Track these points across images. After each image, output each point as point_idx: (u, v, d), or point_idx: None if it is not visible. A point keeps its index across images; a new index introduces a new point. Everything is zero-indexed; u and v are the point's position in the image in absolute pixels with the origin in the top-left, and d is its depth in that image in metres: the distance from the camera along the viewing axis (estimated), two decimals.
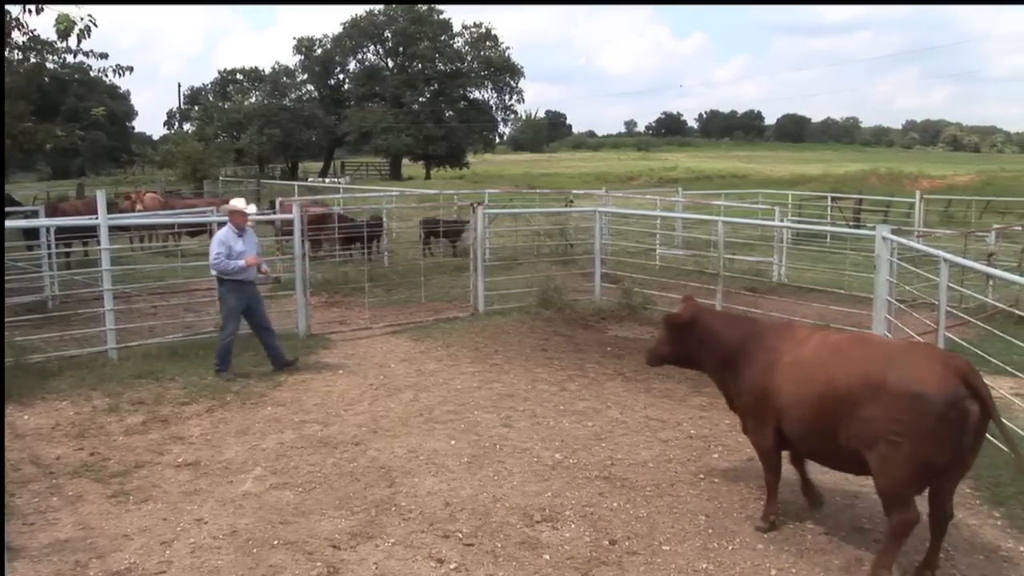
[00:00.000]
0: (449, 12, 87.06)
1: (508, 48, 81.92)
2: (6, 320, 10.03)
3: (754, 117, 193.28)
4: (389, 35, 78.75)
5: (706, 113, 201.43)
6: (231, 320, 11.05)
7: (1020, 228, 16.57)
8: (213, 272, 11.05)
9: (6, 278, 13.02)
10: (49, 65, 14.32)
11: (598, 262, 15.99)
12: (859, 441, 5.68)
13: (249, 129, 70.47)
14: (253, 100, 76.00)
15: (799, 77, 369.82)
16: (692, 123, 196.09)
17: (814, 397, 5.94)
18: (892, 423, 5.46)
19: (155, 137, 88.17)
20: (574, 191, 30.10)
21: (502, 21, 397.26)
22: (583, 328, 13.90)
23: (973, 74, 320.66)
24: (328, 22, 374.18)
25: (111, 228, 12.87)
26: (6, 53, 12.67)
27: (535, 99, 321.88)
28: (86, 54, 13.23)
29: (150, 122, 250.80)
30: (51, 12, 12.09)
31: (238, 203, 11.31)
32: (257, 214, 12.00)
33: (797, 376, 6.12)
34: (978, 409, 5.40)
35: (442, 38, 78.34)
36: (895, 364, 5.61)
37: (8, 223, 13.16)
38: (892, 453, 5.49)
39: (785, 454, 6.80)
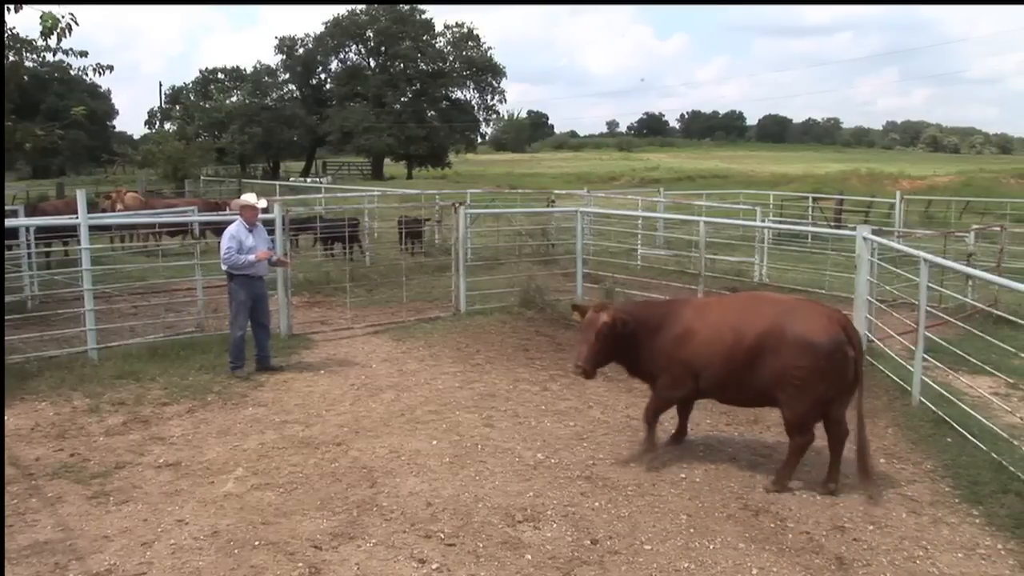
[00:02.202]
0: (431, 12, 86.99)
1: (490, 48, 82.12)
2: None
3: (735, 118, 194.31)
4: (371, 35, 78.50)
5: (688, 113, 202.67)
6: (241, 315, 11.06)
7: (999, 228, 16.66)
8: (224, 267, 11.07)
9: None
10: (28, 64, 14.18)
11: (579, 262, 15.99)
12: (769, 382, 7.14)
13: (230, 128, 70.14)
14: (235, 99, 75.56)
15: (780, 78, 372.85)
16: (674, 123, 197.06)
17: (730, 350, 7.28)
18: (793, 367, 6.99)
19: (136, 136, 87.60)
20: (556, 191, 29.99)
21: (484, 21, 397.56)
22: (565, 328, 13.89)
23: (952, 76, 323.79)
24: (310, 21, 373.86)
25: (91, 228, 12.78)
26: None
27: (517, 99, 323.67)
28: (66, 52, 13.09)
29: (131, 121, 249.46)
30: (29, 10, 12.00)
31: (249, 198, 11.36)
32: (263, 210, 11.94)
33: (712, 338, 7.42)
34: (854, 353, 7.03)
35: (424, 38, 78.16)
36: (791, 318, 7.14)
37: None
38: (795, 391, 7.05)
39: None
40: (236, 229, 11.03)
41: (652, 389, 8.06)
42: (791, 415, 7.24)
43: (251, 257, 10.87)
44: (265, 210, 12.02)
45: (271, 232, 12.94)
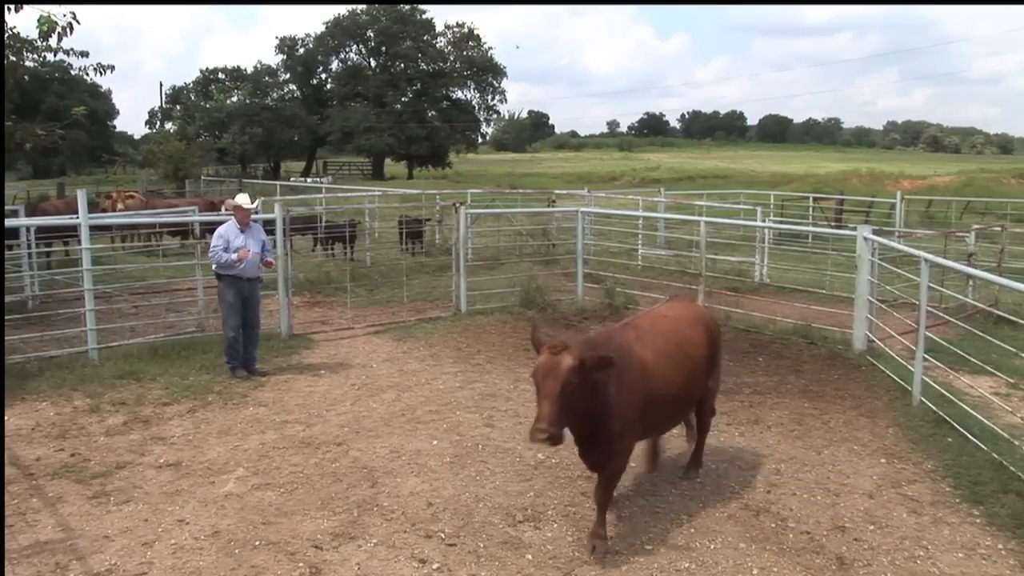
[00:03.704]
0: (432, 12, 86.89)
1: (491, 48, 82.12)
2: None
3: (736, 118, 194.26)
4: (372, 35, 78.51)
5: (688, 113, 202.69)
6: (231, 316, 11.04)
7: (999, 228, 16.66)
8: (213, 267, 11.08)
9: None
10: (28, 63, 14.18)
11: (580, 262, 16.00)
12: (708, 375, 7.35)
13: (231, 128, 70.08)
14: (235, 99, 75.53)
15: (781, 78, 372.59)
16: (674, 123, 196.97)
17: (683, 365, 6.86)
18: (719, 354, 7.70)
19: (136, 136, 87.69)
20: (556, 191, 29.98)
21: (485, 21, 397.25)
22: (565, 328, 13.89)
23: (953, 76, 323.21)
24: (311, 21, 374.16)
25: (92, 228, 12.79)
26: None
27: (518, 99, 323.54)
28: (67, 52, 13.10)
29: (131, 121, 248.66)
30: (30, 10, 12.01)
31: (241, 199, 11.32)
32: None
33: (667, 362, 6.67)
34: None
35: (425, 38, 78.15)
36: (703, 317, 7.62)
37: None
38: (718, 370, 7.76)
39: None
40: (226, 229, 11.03)
41: (594, 451, 6.38)
42: (716, 387, 7.87)
43: (232, 256, 10.79)
44: (256, 211, 11.97)
45: (271, 232, 12.94)
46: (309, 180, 55.95)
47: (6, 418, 9.19)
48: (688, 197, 29.80)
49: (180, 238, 20.96)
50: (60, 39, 11.94)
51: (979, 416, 8.48)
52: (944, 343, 10.24)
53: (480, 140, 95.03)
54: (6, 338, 11.72)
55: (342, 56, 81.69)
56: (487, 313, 14.69)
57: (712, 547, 6.39)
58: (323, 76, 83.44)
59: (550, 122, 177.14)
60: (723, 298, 14.40)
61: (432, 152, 77.58)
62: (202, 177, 49.88)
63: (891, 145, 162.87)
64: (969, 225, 19.73)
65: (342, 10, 79.67)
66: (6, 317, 12.39)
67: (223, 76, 79.40)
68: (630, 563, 6.15)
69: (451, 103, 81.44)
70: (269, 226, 13.09)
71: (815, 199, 30.40)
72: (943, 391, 9.27)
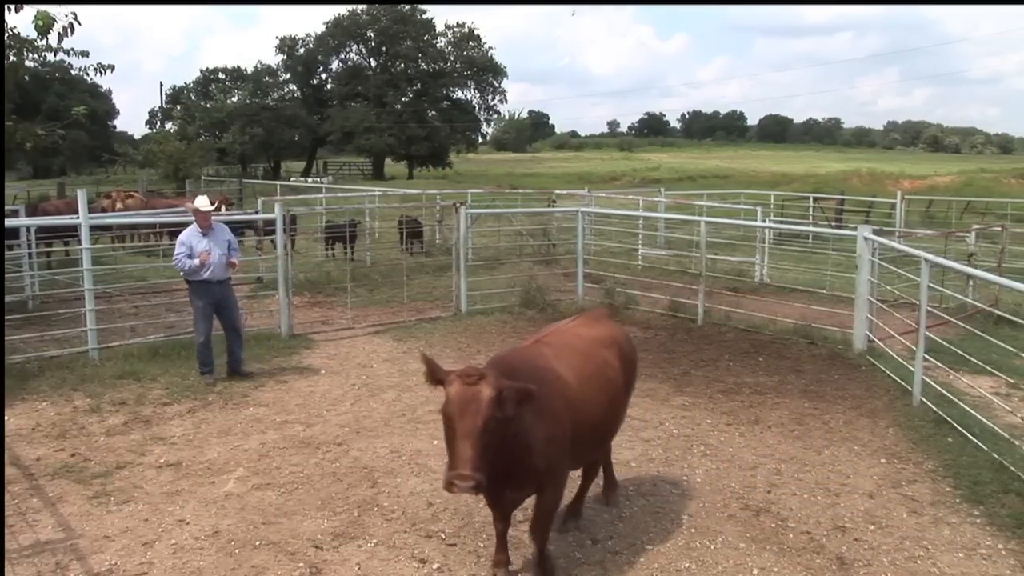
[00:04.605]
0: (432, 12, 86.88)
1: (491, 48, 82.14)
2: None
3: (736, 118, 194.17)
4: (372, 35, 78.53)
5: (688, 113, 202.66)
6: (201, 322, 10.84)
7: (1000, 228, 16.67)
8: (180, 274, 10.97)
9: None
10: (29, 63, 14.18)
11: (580, 262, 16.00)
12: (628, 392, 6.73)
13: (231, 128, 70.06)
14: (235, 99, 75.55)
15: (781, 78, 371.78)
16: (675, 123, 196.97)
17: (605, 388, 6.18)
18: (635, 376, 6.95)
19: (137, 136, 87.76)
20: (557, 191, 29.94)
21: (485, 21, 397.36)
22: None
23: (953, 76, 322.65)
24: (311, 21, 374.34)
25: (92, 228, 12.78)
26: None
27: (518, 99, 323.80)
28: (67, 52, 13.09)
29: (132, 121, 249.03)
30: (30, 10, 12.01)
31: (199, 202, 11.03)
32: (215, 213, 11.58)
33: (591, 384, 5.99)
34: None
35: (425, 38, 78.17)
36: (618, 335, 6.75)
37: None
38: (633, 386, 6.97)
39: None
40: (187, 234, 10.75)
41: (511, 489, 5.62)
42: (625, 412, 6.97)
43: (194, 261, 10.53)
44: (216, 211, 11.74)
45: (271, 232, 12.92)
46: (309, 180, 55.91)
47: (6, 418, 9.19)
48: (688, 197, 29.77)
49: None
50: (61, 39, 11.94)
51: (979, 416, 8.49)
52: (944, 343, 10.25)
53: (480, 140, 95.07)
54: (6, 338, 11.71)
55: (342, 56, 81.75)
56: (487, 313, 14.69)
57: (712, 547, 6.40)
58: (323, 76, 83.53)
59: (550, 122, 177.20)
60: (723, 298, 14.41)
61: (432, 152, 77.54)
62: (202, 177, 49.77)
63: (891, 145, 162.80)
64: (969, 225, 19.72)
65: (342, 10, 79.82)
66: (6, 317, 12.40)
67: (223, 76, 79.41)
68: (630, 563, 6.15)
69: (451, 103, 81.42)
70: (270, 226, 13.09)
71: (815, 199, 30.37)
72: (943, 391, 9.27)
